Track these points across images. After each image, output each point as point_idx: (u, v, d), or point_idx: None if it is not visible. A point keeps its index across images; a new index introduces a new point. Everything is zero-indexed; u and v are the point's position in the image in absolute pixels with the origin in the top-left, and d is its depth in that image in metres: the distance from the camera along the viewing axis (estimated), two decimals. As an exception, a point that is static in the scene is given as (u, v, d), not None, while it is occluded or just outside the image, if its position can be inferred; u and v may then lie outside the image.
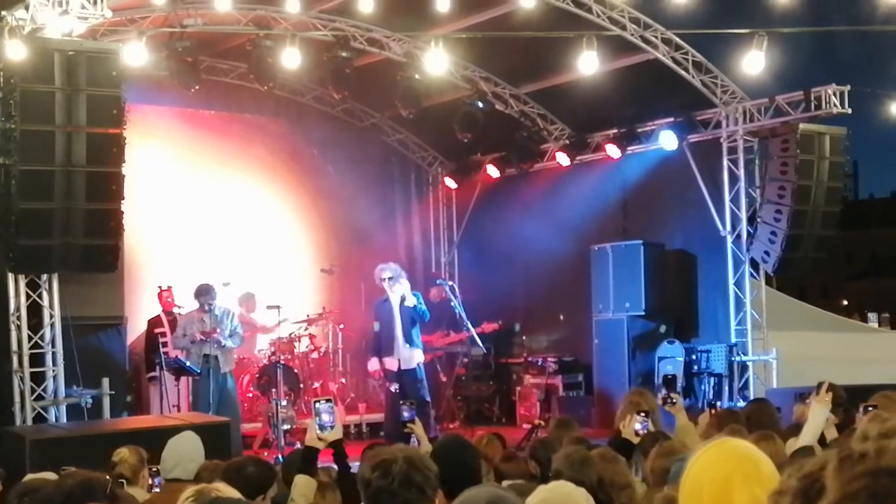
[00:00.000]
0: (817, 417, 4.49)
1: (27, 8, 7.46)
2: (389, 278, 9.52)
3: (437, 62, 9.15)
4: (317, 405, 3.77)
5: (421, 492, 2.44)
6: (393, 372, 9.46)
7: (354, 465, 4.05)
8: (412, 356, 9.49)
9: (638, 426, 4.58)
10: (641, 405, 4.85)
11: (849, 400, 5.48)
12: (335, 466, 3.92)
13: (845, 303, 36.44)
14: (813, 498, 1.42)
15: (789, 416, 6.68)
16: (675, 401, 5.28)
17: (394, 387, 9.31)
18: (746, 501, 1.86)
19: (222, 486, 2.80)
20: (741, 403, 9.75)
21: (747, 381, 10.81)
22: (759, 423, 5.18)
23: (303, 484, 3.66)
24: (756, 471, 1.90)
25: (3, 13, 7.44)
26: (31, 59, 7.36)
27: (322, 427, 3.75)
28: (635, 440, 4.54)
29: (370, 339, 9.94)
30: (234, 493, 2.73)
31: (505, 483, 3.69)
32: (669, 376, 10.22)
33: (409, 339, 9.49)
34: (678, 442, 4.73)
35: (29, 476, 4.11)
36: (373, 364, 9.74)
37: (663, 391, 5.68)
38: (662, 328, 10.94)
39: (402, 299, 9.49)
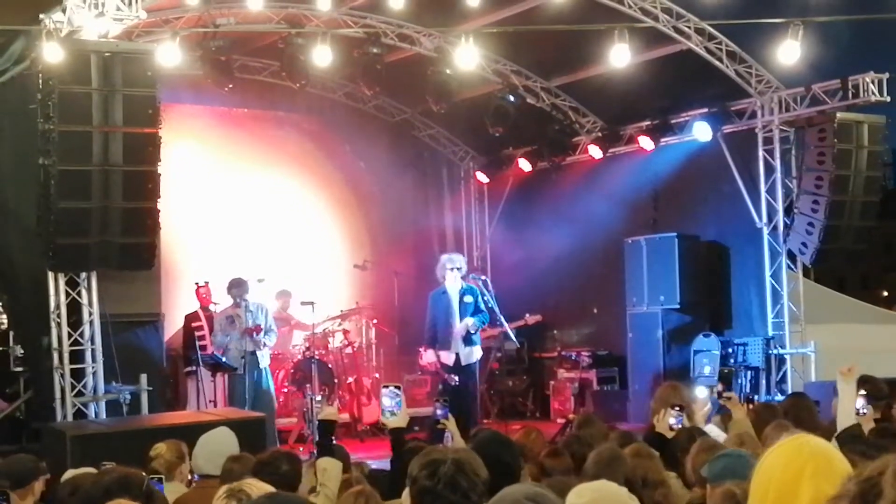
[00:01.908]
0: (846, 395, 4.49)
1: (64, 11, 7.57)
2: (458, 268, 9.33)
3: (467, 57, 9.13)
4: (382, 389, 3.91)
5: (465, 497, 2.43)
6: (449, 366, 9.24)
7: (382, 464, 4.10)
8: (472, 352, 9.32)
9: (672, 420, 4.54)
10: (675, 400, 4.82)
11: (891, 393, 5.39)
12: (369, 463, 3.96)
13: (885, 294, 35.81)
14: (871, 502, 1.41)
15: (828, 411, 6.59)
16: (730, 396, 5.27)
17: (453, 379, 9.09)
18: (812, 495, 1.84)
19: (254, 482, 2.82)
20: (779, 397, 9.63)
21: (785, 374, 10.67)
22: (797, 418, 5.11)
23: (332, 468, 3.67)
24: (828, 467, 1.89)
25: (41, 16, 7.56)
26: (68, 61, 7.46)
27: (382, 412, 3.85)
28: (670, 434, 4.51)
29: (426, 330, 9.52)
30: (267, 489, 2.75)
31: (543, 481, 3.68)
32: (726, 370, 10.17)
33: (468, 337, 9.30)
34: (734, 435, 4.69)
35: (70, 472, 4.18)
36: (429, 356, 9.39)
37: (719, 386, 5.62)
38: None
39: (462, 294, 9.34)
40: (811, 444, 1.95)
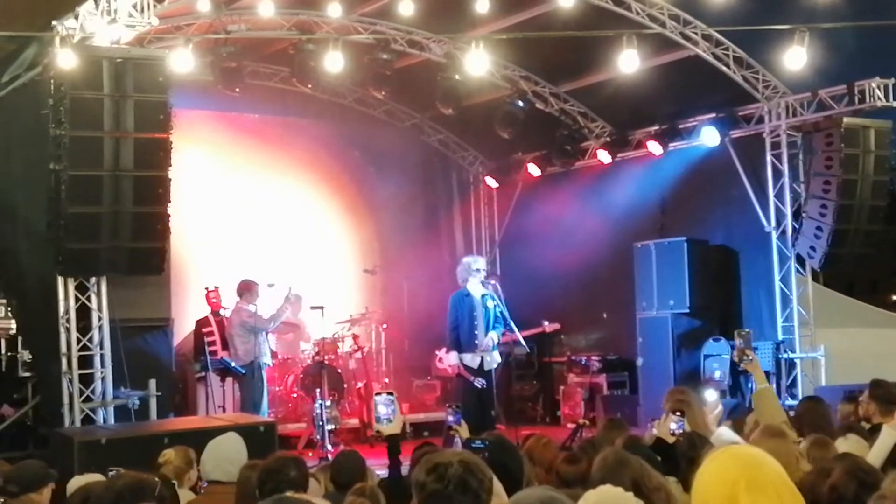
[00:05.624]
0: (887, 440, 4.43)
1: (77, 17, 7.62)
2: (481, 270, 9.25)
3: (477, 62, 9.14)
4: (375, 397, 3.92)
5: (476, 497, 2.42)
6: (473, 368, 9.14)
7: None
8: (493, 358, 9.27)
9: (673, 426, 4.49)
10: (678, 404, 4.78)
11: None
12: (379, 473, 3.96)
13: (895, 298, 35.62)
14: None
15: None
16: (751, 358, 4.73)
17: (478, 382, 8.99)
18: None
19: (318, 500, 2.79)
20: (790, 401, 9.61)
21: (795, 378, 10.65)
22: (811, 423, 5.07)
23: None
24: (760, 477, 1.89)
25: (54, 23, 7.62)
26: (80, 67, 7.50)
27: (378, 419, 3.86)
28: (670, 440, 4.47)
29: (448, 331, 9.31)
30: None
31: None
32: (744, 331, 9.82)
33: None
34: (757, 412, 4.44)
35: (76, 478, 4.19)
36: (452, 358, 9.20)
37: (738, 341, 4.97)
38: None
39: (484, 299, 9.24)
40: (741, 456, 1.96)
